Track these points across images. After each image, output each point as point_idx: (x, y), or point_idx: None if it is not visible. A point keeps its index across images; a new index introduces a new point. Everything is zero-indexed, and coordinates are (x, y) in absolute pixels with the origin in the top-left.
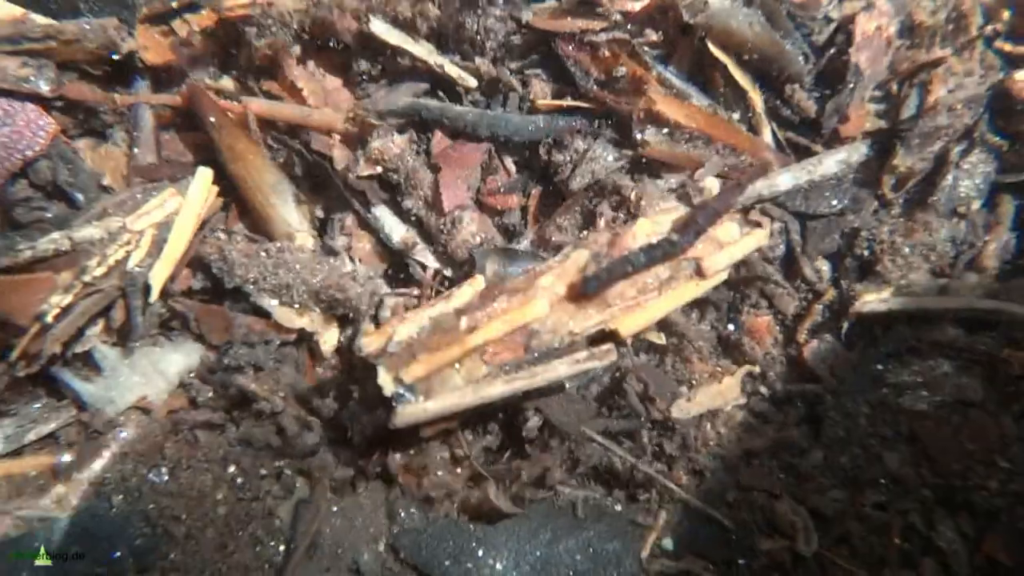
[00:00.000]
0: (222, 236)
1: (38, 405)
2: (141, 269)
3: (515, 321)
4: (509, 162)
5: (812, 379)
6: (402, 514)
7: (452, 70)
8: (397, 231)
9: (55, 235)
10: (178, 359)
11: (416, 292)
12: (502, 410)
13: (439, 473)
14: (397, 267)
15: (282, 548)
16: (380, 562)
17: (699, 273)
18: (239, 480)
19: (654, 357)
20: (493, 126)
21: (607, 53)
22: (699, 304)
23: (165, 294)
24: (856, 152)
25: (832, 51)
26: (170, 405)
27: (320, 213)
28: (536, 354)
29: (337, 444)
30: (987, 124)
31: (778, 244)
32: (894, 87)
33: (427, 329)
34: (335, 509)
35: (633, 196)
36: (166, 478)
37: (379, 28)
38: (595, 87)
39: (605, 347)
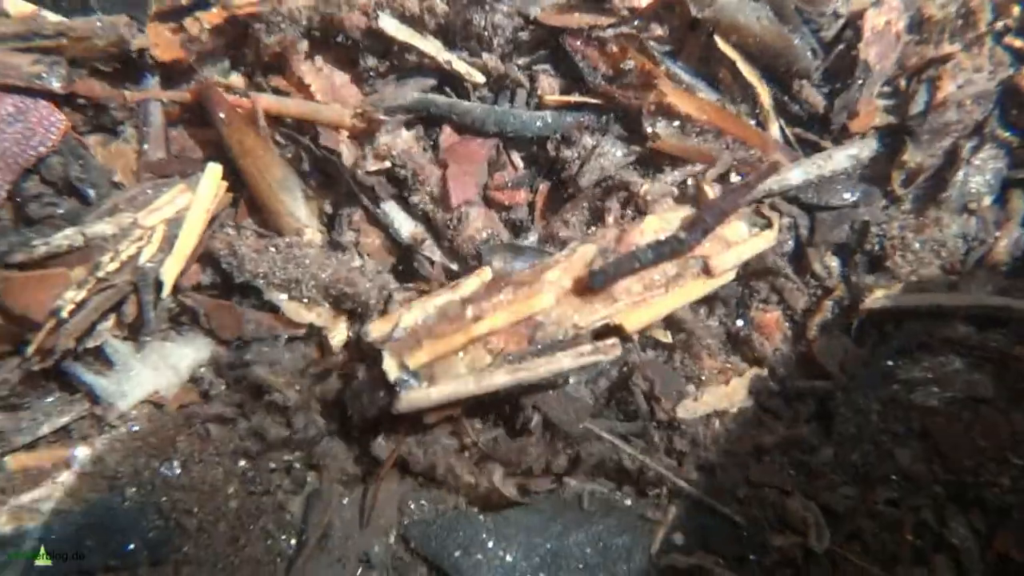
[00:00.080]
0: (231, 232)
1: (51, 399)
2: (153, 265)
3: (520, 312)
4: (516, 158)
5: (822, 375)
6: (412, 505)
7: (460, 66)
8: (406, 227)
9: (68, 231)
10: (188, 353)
11: (424, 288)
12: (504, 403)
13: (450, 460)
14: (405, 262)
15: (293, 541)
16: (390, 553)
17: (706, 271)
18: (250, 474)
19: (662, 353)
20: (501, 122)
21: (615, 48)
22: (708, 300)
23: (176, 289)
24: (866, 147)
25: (841, 46)
26: (181, 399)
27: (328, 208)
28: (540, 346)
29: (346, 438)
30: (997, 120)
31: (787, 240)
32: (902, 83)
33: (433, 317)
34: (345, 502)
35: (641, 192)
36: (178, 471)
37: (387, 24)
38: (603, 82)
39: (610, 341)
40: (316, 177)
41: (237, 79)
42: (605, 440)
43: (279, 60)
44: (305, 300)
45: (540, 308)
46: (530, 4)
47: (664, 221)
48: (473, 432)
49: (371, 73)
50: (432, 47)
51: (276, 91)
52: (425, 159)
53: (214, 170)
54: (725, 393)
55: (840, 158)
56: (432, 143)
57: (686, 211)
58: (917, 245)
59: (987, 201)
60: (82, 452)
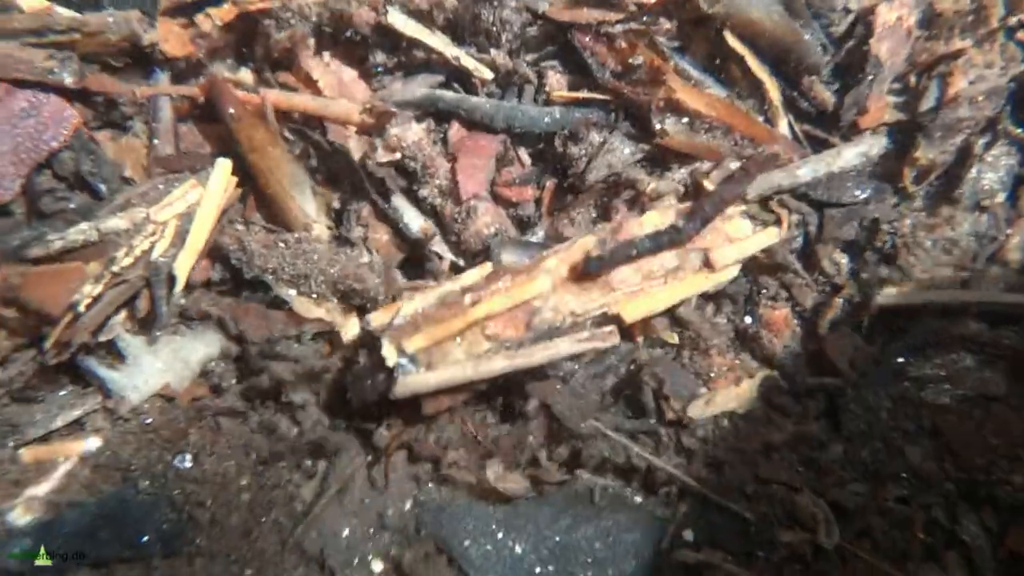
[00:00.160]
0: (240, 227)
1: (64, 392)
2: (165, 259)
3: (517, 297)
4: (524, 154)
5: (832, 372)
6: (429, 484)
7: (468, 62)
8: (416, 221)
9: (83, 226)
10: (199, 347)
11: (432, 283)
12: (503, 392)
13: (452, 455)
14: (413, 258)
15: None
16: (404, 520)
17: (707, 265)
18: (261, 467)
19: (671, 350)
20: (509, 118)
21: (624, 44)
22: (715, 297)
23: (187, 284)
24: (876, 144)
25: (851, 42)
26: (192, 393)
27: (336, 204)
28: (537, 332)
29: (356, 432)
30: (1009, 116)
31: (796, 236)
32: (912, 79)
33: (432, 304)
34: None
35: (648, 190)
36: (190, 464)
37: (396, 19)
38: (612, 78)
39: (607, 328)
40: (324, 173)
41: (246, 75)
42: (611, 438)
43: (288, 56)
44: (314, 296)
45: (536, 293)
46: None
47: (664, 215)
48: (473, 425)
49: (379, 69)
50: (440, 43)
51: (284, 87)
52: (435, 152)
53: (224, 165)
54: (735, 394)
55: (850, 155)
56: (441, 137)
57: (685, 206)
58: (929, 242)
59: (1000, 198)
60: (95, 444)
